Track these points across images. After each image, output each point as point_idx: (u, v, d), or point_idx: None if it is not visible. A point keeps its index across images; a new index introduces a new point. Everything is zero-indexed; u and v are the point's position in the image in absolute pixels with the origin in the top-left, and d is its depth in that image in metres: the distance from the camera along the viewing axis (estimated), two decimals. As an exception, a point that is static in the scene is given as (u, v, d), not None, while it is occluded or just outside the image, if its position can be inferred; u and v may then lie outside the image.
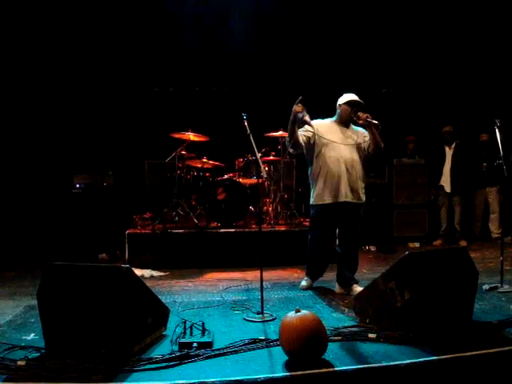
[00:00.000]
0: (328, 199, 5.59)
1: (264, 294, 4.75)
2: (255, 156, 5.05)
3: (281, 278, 6.60)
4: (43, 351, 3.75)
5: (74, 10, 8.77)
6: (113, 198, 8.74)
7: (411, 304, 3.91)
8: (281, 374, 3.32)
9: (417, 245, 9.11)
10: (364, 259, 7.91)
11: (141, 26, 9.11)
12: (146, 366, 3.44)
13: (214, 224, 7.88)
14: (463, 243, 8.86)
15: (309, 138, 5.69)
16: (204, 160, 8.29)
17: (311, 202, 5.78)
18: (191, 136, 8.06)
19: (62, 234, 8.33)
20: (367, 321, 4.34)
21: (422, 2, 9.29)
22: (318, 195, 5.66)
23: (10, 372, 3.40)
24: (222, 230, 7.63)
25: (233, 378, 3.25)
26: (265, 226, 7.92)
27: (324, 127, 5.73)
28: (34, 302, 5.19)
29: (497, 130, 5.76)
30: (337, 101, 5.83)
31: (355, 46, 9.59)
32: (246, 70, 9.53)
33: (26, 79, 8.99)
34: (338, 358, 3.55)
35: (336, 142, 5.59)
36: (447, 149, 9.24)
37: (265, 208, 8.43)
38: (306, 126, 5.62)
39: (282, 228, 7.87)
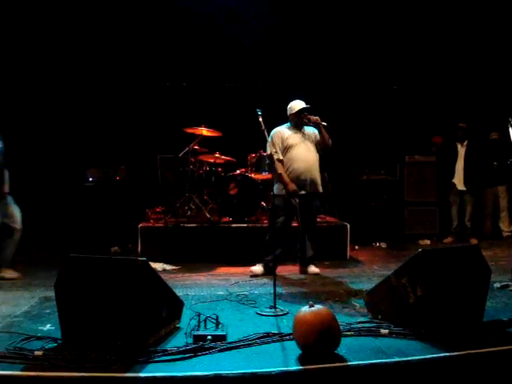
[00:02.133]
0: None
1: (276, 288, 4.78)
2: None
3: (293, 273, 6.63)
4: (60, 342, 3.80)
5: (87, 3, 8.81)
6: (125, 191, 8.79)
7: (423, 301, 3.92)
8: (294, 368, 3.35)
9: (427, 242, 9.11)
10: (375, 256, 7.96)
11: (154, 20, 9.14)
12: (162, 358, 3.48)
13: (226, 219, 7.91)
14: (474, 241, 8.84)
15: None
16: (216, 155, 8.31)
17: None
18: (204, 131, 8.10)
19: (75, 226, 8.39)
20: (379, 317, 4.36)
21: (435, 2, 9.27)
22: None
23: (27, 362, 3.44)
24: (233, 225, 7.67)
25: (247, 371, 3.28)
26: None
27: (285, 133, 6.54)
28: (49, 294, 5.30)
29: (510, 129, 5.76)
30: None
31: (367, 41, 9.57)
32: (259, 65, 9.54)
33: (40, 74, 9.04)
34: (350, 352, 3.57)
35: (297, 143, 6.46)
36: (459, 146, 9.21)
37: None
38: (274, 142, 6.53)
39: (294, 224, 7.86)
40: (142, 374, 3.24)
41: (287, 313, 4.62)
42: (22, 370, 3.32)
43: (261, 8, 9.09)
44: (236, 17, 9.30)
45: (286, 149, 6.48)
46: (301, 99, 6.45)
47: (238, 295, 5.43)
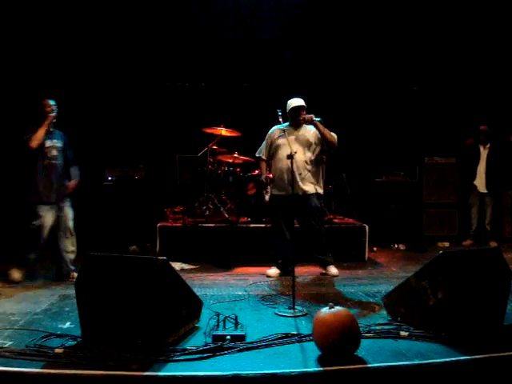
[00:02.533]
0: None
1: (294, 289, 4.78)
2: (290, 152, 5.11)
3: (311, 274, 6.61)
4: (79, 340, 3.84)
5: (107, 3, 8.87)
6: (144, 191, 8.82)
7: (444, 303, 3.90)
8: (314, 369, 3.34)
9: (446, 244, 9.04)
10: (394, 258, 7.91)
11: (173, 20, 9.16)
12: (181, 357, 3.50)
13: (244, 219, 7.92)
14: (493, 244, 8.76)
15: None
16: (235, 155, 8.31)
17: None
18: (223, 131, 8.11)
19: (93, 225, 8.43)
20: (398, 319, 4.34)
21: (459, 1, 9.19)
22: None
23: (48, 359, 3.48)
24: (251, 225, 7.66)
25: (266, 372, 3.29)
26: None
27: (276, 133, 6.54)
28: (69, 292, 5.37)
29: None
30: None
31: (387, 42, 9.52)
32: (278, 65, 9.53)
33: (61, 73, 9.10)
34: (370, 354, 3.56)
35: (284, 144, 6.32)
36: (482, 148, 9.13)
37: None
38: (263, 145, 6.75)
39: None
40: (161, 373, 3.26)
41: (306, 314, 4.62)
42: (42, 368, 3.35)
43: (280, 7, 9.08)
44: (256, 16, 9.29)
45: (275, 149, 6.54)
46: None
47: (257, 295, 5.44)
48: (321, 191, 6.60)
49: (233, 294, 5.53)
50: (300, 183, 6.35)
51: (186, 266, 7.01)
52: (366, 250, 7.62)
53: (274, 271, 6.52)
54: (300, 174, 6.36)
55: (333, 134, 6.40)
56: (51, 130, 6.20)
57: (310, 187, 6.43)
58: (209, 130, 8.18)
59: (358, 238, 7.63)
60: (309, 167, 6.42)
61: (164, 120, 9.51)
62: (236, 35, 9.34)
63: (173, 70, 9.61)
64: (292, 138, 6.35)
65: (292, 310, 4.67)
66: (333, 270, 6.57)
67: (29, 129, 6.01)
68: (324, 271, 6.63)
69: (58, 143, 6.26)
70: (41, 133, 6.00)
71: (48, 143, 6.14)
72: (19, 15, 8.50)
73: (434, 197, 9.46)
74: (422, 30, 9.38)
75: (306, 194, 6.39)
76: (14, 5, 8.39)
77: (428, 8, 9.19)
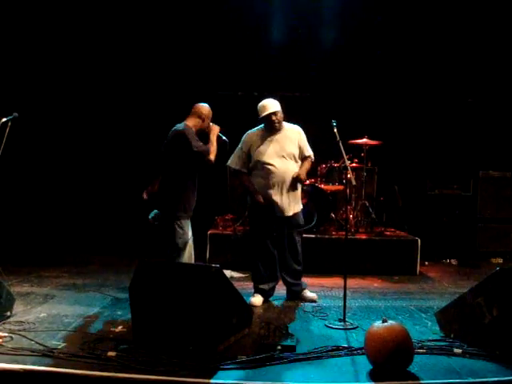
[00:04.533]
0: None
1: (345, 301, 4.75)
2: (345, 163, 5.03)
3: (360, 287, 6.54)
4: (131, 344, 3.89)
5: (162, 13, 9.03)
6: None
7: (499, 321, 3.81)
8: (366, 383, 3.31)
9: (500, 261, 8.82)
10: (446, 272, 7.77)
11: (226, 29, 9.24)
12: (232, 366, 3.51)
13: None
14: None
15: None
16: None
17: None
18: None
19: (144, 231, 8.54)
20: (452, 335, 4.26)
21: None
22: None
23: (100, 362, 3.54)
24: (302, 235, 7.63)
25: (317, 384, 3.27)
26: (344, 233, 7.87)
27: (254, 138, 5.77)
28: (121, 295, 5.45)
29: None
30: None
31: (442, 54, 9.40)
32: (330, 75, 9.51)
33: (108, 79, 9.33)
34: (422, 371, 3.51)
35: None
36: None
37: (345, 215, 8.37)
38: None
39: (363, 237, 7.80)
40: (212, 381, 3.28)
41: (357, 327, 4.58)
42: (94, 370, 3.40)
43: (332, 17, 9.06)
44: (307, 26, 9.31)
45: (254, 158, 5.72)
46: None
47: (306, 306, 5.42)
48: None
49: (282, 304, 5.54)
50: (285, 200, 5.57)
51: (235, 274, 7.04)
52: (418, 263, 7.50)
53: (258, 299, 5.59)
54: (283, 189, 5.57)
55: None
56: None
57: (295, 205, 5.72)
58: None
59: (410, 251, 7.52)
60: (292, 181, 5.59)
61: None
62: (291, 45, 9.36)
63: (225, 79, 9.68)
64: (271, 145, 5.61)
65: (343, 323, 4.64)
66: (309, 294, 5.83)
67: (196, 140, 5.29)
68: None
69: None
70: (216, 146, 5.46)
71: None
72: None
73: (488, 211, 9.24)
74: (477, 41, 9.23)
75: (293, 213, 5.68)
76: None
77: (483, 19, 9.04)
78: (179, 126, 5.36)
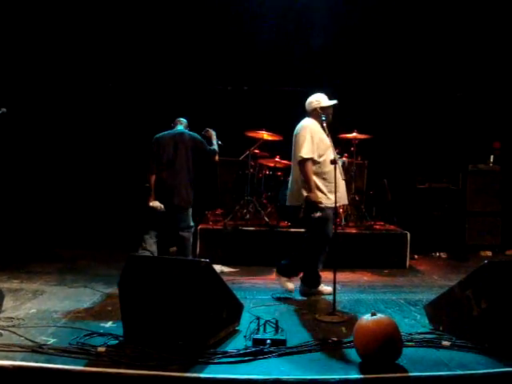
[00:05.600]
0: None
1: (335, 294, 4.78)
2: (334, 156, 5.02)
3: (350, 281, 6.57)
4: (121, 339, 3.90)
5: (152, 10, 9.02)
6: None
7: (488, 313, 3.84)
8: (354, 376, 3.34)
9: (489, 253, 8.86)
10: (435, 266, 7.81)
11: (216, 24, 9.22)
12: (222, 360, 3.53)
13: (284, 223, 7.92)
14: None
15: None
16: (277, 159, 8.33)
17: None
18: (265, 135, 8.13)
19: (133, 225, 8.53)
20: (440, 328, 4.29)
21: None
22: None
23: (90, 357, 3.55)
24: (291, 230, 7.65)
25: (307, 377, 3.29)
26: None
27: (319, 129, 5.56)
28: (110, 291, 5.45)
29: None
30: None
31: (431, 48, 9.42)
32: (321, 70, 9.50)
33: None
34: (411, 363, 3.53)
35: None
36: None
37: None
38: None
39: (353, 231, 7.83)
40: (202, 375, 3.29)
41: (346, 320, 4.59)
42: (85, 366, 3.41)
43: (324, 12, 9.06)
44: (298, 22, 9.30)
45: (323, 150, 5.52)
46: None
47: (297, 300, 5.45)
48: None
49: (272, 297, 5.55)
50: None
51: (225, 269, 7.05)
52: (407, 257, 7.54)
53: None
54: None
55: None
56: None
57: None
58: (251, 134, 8.22)
59: (399, 245, 7.55)
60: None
61: (206, 123, 9.54)
62: (279, 39, 9.34)
63: (215, 73, 9.66)
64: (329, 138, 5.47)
65: (332, 316, 4.65)
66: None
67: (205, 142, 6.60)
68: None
69: None
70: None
71: None
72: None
73: (477, 205, 9.27)
74: (466, 35, 9.25)
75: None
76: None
77: (471, 15, 9.08)
78: (192, 133, 6.57)
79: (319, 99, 5.64)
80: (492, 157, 9.41)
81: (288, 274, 5.77)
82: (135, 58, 9.35)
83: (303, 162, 5.33)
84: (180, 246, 6.60)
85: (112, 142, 9.32)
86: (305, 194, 5.39)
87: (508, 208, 9.19)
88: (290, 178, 5.78)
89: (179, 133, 6.47)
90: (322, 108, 5.59)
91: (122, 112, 9.39)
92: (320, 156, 5.44)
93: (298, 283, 5.78)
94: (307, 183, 5.35)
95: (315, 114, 5.60)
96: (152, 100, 9.44)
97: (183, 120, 6.76)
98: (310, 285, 5.71)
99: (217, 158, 6.63)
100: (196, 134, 6.54)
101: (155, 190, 6.27)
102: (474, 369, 3.47)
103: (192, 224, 6.52)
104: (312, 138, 5.40)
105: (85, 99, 9.36)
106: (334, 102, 5.63)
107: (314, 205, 5.28)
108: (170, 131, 6.54)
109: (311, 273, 5.66)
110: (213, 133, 6.80)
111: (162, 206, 6.20)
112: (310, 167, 5.36)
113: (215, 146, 6.64)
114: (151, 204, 6.20)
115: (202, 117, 9.42)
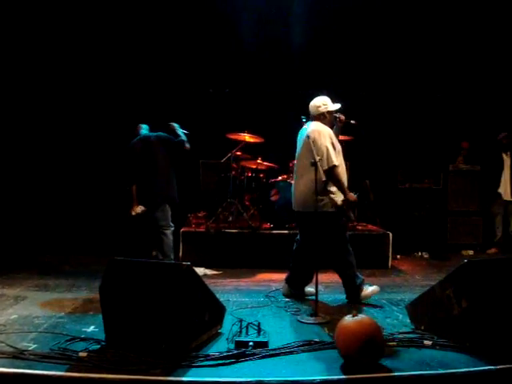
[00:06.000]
0: None
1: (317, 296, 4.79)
2: (314, 159, 5.00)
3: (333, 281, 6.56)
4: (103, 343, 3.89)
5: (132, 13, 9.00)
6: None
7: (468, 312, 3.86)
8: (337, 377, 3.34)
9: (470, 253, 8.94)
10: (417, 265, 7.86)
11: (197, 26, 9.22)
12: (204, 363, 3.53)
13: (267, 225, 7.93)
14: (518, 252, 8.66)
15: None
16: (258, 161, 8.34)
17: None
18: (247, 137, 8.14)
19: (116, 230, 8.49)
20: (422, 327, 4.31)
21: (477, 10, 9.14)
22: None
23: (71, 362, 3.53)
24: (274, 231, 7.66)
25: (289, 379, 3.30)
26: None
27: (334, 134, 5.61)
28: (92, 296, 5.41)
29: None
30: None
31: (411, 50, 9.49)
32: (302, 72, 9.53)
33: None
34: (393, 363, 3.55)
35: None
36: (504, 156, 9.04)
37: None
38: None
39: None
40: (184, 379, 3.28)
41: (329, 321, 4.60)
42: (66, 371, 3.40)
43: (306, 13, 9.08)
44: (279, 24, 9.31)
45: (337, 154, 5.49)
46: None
47: (279, 302, 5.45)
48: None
49: (255, 300, 5.54)
50: (298, 199, 5.63)
51: (208, 272, 7.04)
52: (390, 257, 7.58)
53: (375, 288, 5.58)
54: (297, 188, 5.65)
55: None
56: None
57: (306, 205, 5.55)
58: (233, 136, 8.22)
59: (382, 245, 7.59)
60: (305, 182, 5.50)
61: (188, 125, 9.53)
62: (260, 41, 9.35)
63: (197, 76, 9.65)
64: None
65: (315, 317, 4.66)
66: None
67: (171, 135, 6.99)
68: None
69: None
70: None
71: None
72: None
73: (458, 204, 9.36)
74: (446, 36, 9.33)
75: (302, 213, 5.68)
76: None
77: (452, 18, 9.16)
78: (156, 133, 6.95)
79: (326, 103, 5.61)
80: (460, 158, 9.51)
81: (304, 284, 5.74)
82: (116, 61, 9.31)
83: (333, 168, 5.29)
84: (160, 245, 6.79)
85: (98, 146, 9.26)
86: (337, 199, 5.38)
87: (488, 207, 9.26)
88: (299, 182, 5.56)
89: (145, 136, 6.94)
90: (329, 112, 5.61)
91: (106, 117, 9.35)
92: None
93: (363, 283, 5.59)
94: (342, 187, 5.37)
95: (323, 118, 5.57)
96: (134, 104, 9.39)
97: (144, 125, 7.17)
98: (294, 286, 5.71)
99: (187, 145, 6.93)
100: (160, 132, 6.97)
101: (137, 195, 6.61)
102: (455, 367, 3.50)
103: (172, 224, 6.83)
104: (333, 144, 5.39)
105: (69, 106, 9.31)
106: (339, 105, 5.68)
107: (351, 206, 5.50)
108: (136, 138, 6.93)
109: (352, 282, 5.56)
110: (175, 125, 7.09)
111: (143, 207, 6.49)
112: (339, 172, 5.37)
113: (182, 136, 6.95)
114: (133, 213, 6.33)
115: (183, 119, 9.40)
